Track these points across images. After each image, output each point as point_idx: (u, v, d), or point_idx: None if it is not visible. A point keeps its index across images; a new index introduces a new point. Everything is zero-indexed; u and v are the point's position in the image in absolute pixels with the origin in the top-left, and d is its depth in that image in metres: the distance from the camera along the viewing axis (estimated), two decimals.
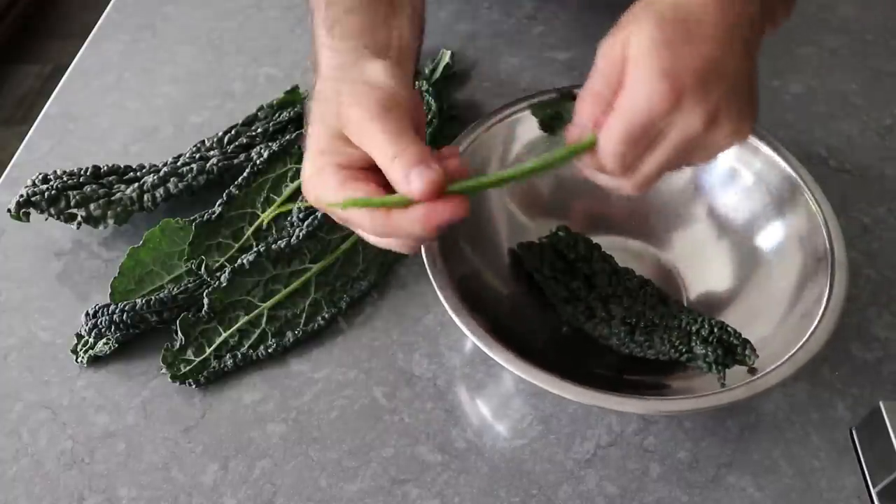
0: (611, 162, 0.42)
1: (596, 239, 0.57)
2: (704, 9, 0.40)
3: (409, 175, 0.39)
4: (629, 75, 0.41)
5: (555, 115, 0.49)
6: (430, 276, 0.48)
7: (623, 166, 0.42)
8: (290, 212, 0.59)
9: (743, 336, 0.48)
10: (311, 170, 0.43)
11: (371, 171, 0.42)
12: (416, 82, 0.68)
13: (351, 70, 0.45)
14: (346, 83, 0.44)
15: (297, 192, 0.60)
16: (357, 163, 0.42)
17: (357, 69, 0.45)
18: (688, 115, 0.40)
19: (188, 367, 0.52)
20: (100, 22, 0.81)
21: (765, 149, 0.55)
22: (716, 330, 0.49)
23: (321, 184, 0.42)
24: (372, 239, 0.44)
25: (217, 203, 0.58)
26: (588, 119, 0.43)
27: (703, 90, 0.39)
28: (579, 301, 0.53)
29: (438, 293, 0.47)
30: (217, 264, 0.57)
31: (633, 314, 0.52)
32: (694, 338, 0.49)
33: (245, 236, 0.58)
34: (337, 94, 0.43)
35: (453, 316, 0.46)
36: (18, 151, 0.68)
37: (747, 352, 0.47)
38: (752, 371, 0.47)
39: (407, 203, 0.40)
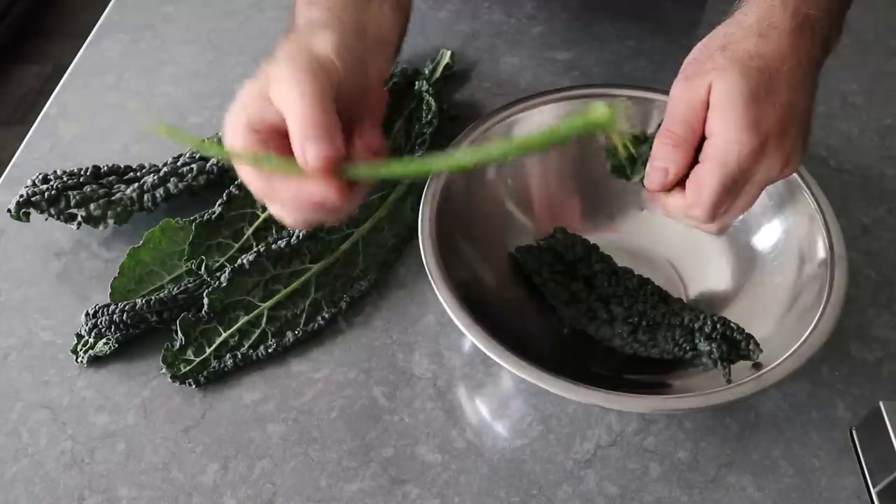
0: (703, 214, 0.43)
1: (594, 239, 0.57)
2: (780, 58, 0.42)
3: (305, 143, 0.37)
4: (716, 124, 0.42)
5: (629, 157, 0.49)
6: (429, 276, 0.48)
7: (715, 216, 0.43)
8: None
9: (746, 331, 0.48)
10: (228, 119, 0.41)
11: (284, 139, 0.39)
12: (417, 82, 0.68)
13: (305, 37, 0.43)
14: (293, 45, 0.42)
15: None
16: (272, 126, 0.40)
17: (310, 37, 0.42)
18: (770, 161, 0.42)
19: (188, 367, 0.52)
20: (100, 22, 0.81)
21: None
22: (718, 326, 0.49)
23: (230, 135, 0.40)
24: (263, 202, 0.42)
25: (217, 203, 0.58)
26: (668, 162, 0.44)
27: (782, 136, 0.42)
28: (580, 303, 0.53)
29: (437, 293, 0.47)
30: (217, 264, 0.57)
31: (635, 314, 0.52)
32: (697, 335, 0.49)
33: (245, 236, 0.58)
34: (278, 54, 0.41)
35: (452, 315, 0.46)
36: (18, 151, 0.68)
37: (751, 346, 0.48)
38: (757, 366, 0.47)
39: (298, 173, 0.38)
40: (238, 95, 0.41)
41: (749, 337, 0.48)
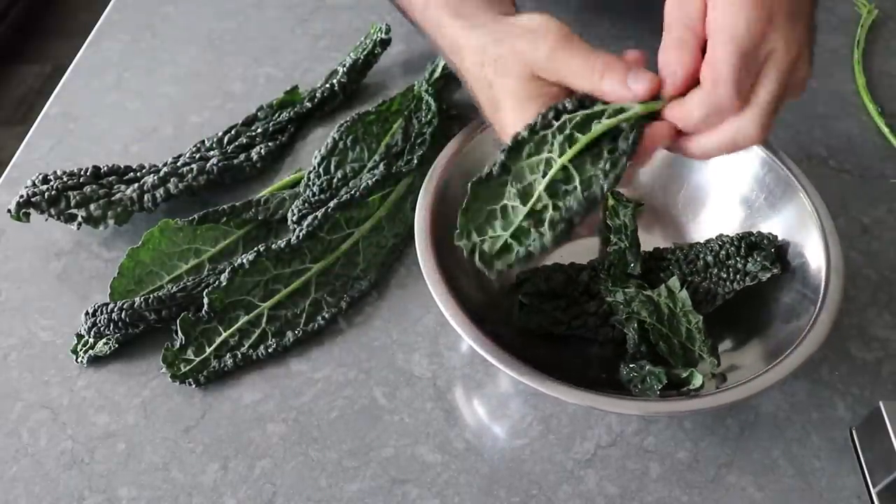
0: (727, 91, 0.41)
1: (590, 239, 0.57)
2: None
3: (627, 82, 0.42)
4: (718, 7, 0.41)
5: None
6: (426, 277, 0.48)
7: (739, 92, 0.41)
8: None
9: (752, 231, 0.53)
10: (521, 120, 0.43)
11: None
12: (416, 82, 0.68)
13: (502, 29, 0.45)
14: (508, 38, 0.44)
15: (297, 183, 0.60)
16: (558, 97, 0.44)
17: (508, 24, 0.45)
18: (782, 40, 0.41)
19: (188, 367, 0.52)
20: (100, 22, 0.81)
21: (759, 148, 0.55)
22: (737, 242, 0.52)
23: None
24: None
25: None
26: (676, 65, 0.42)
27: (791, 19, 0.41)
28: (610, 315, 0.52)
29: (434, 294, 0.47)
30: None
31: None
32: (735, 262, 0.51)
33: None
34: (502, 52, 0.44)
35: (448, 316, 0.46)
36: (18, 151, 0.68)
37: (769, 237, 0.52)
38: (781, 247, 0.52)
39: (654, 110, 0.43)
40: (503, 108, 0.45)
41: (760, 234, 0.52)
